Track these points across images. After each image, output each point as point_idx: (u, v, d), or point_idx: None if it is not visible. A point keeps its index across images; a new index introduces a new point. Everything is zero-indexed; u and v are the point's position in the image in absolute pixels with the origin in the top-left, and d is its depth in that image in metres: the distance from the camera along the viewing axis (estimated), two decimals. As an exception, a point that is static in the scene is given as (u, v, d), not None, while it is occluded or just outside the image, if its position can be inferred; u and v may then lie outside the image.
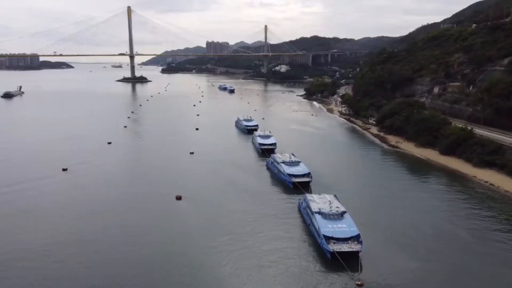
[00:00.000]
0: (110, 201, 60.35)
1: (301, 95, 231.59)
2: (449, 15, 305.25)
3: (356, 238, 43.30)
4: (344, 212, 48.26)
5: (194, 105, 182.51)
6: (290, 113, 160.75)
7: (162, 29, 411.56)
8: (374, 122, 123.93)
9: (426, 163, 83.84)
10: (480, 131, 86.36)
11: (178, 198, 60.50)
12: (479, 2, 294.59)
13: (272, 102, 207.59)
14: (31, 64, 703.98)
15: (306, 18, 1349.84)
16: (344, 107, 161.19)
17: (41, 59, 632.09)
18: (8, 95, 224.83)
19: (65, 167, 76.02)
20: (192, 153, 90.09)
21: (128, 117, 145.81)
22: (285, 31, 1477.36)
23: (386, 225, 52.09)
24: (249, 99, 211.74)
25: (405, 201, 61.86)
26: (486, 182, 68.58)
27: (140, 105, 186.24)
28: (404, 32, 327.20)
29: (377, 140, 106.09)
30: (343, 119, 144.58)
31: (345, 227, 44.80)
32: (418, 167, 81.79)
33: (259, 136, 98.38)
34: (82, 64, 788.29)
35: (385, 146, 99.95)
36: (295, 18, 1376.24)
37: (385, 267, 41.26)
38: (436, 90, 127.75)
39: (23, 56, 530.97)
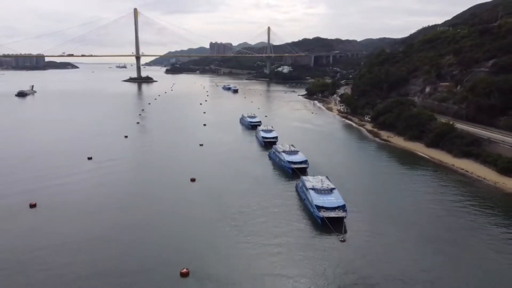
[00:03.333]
0: (132, 184, 69.90)
1: (302, 95, 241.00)
2: (452, 17, 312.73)
3: (342, 207, 52.67)
4: (333, 188, 57.65)
5: (201, 104, 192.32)
6: (292, 111, 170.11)
7: (167, 30, 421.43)
8: (369, 119, 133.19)
9: (413, 155, 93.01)
10: (462, 126, 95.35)
11: (192, 180, 70.10)
12: (479, 4, 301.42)
13: (274, 101, 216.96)
14: (37, 65, 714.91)
15: (309, 19, 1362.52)
16: (342, 105, 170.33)
17: (47, 59, 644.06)
18: (22, 94, 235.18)
19: (90, 156, 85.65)
20: (201, 145, 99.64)
21: (140, 114, 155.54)
22: (288, 32, 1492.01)
23: (372, 202, 61.17)
24: (252, 99, 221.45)
25: (392, 185, 71.07)
26: (462, 169, 77.85)
27: (149, 104, 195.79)
28: (407, 33, 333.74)
29: (370, 135, 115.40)
30: (341, 117, 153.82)
31: (333, 199, 54.19)
32: (406, 158, 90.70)
33: (262, 130, 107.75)
34: (86, 65, 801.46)
35: (377, 140, 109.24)
36: (298, 19, 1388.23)
37: (366, 231, 50.45)
38: (427, 89, 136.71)
39: (29, 57, 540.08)
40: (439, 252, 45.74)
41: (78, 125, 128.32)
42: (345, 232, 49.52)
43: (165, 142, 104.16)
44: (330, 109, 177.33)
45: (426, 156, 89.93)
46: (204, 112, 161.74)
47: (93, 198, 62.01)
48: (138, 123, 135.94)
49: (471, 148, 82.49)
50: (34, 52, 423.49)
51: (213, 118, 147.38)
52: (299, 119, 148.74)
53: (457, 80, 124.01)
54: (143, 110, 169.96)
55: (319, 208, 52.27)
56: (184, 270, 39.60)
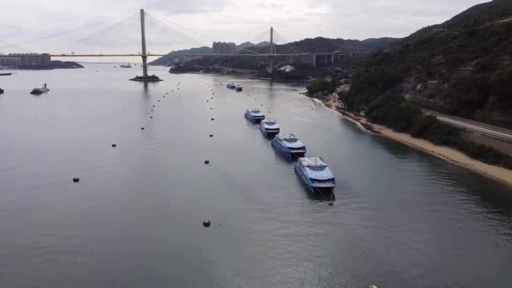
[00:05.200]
0: (154, 164, 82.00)
1: (303, 93, 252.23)
2: (451, 17, 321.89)
3: (331, 180, 64.24)
4: (325, 166, 69.28)
5: (207, 101, 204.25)
6: (293, 108, 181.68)
7: (170, 30, 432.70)
8: (363, 114, 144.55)
9: (400, 144, 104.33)
10: (444, 118, 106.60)
11: (206, 162, 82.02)
12: (478, 4, 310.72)
13: (277, 99, 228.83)
14: (43, 64, 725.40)
15: (312, 19, 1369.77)
16: (340, 102, 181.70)
17: (52, 59, 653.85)
18: (36, 92, 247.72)
19: (114, 144, 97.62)
20: (211, 135, 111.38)
21: (151, 110, 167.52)
22: (291, 32, 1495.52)
23: (359, 179, 72.38)
24: (256, 96, 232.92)
25: (377, 168, 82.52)
26: (440, 155, 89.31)
27: (159, 101, 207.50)
28: (410, 33, 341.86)
29: (364, 128, 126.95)
30: (339, 112, 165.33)
31: (324, 174, 65.79)
32: (393, 147, 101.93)
33: (265, 123, 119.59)
34: (91, 64, 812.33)
35: (369, 132, 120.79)
36: (301, 19, 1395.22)
37: (350, 198, 61.88)
38: (418, 87, 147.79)
39: (35, 56, 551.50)
40: (408, 212, 57.28)
41: (97, 119, 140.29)
42: (333, 199, 61.18)
43: (178, 134, 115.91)
44: (329, 106, 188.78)
45: (411, 145, 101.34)
46: (211, 108, 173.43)
47: (123, 174, 74.60)
48: (151, 117, 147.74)
49: (449, 137, 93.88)
50: (39, 51, 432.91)
51: (220, 114, 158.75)
52: (300, 114, 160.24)
53: (444, 78, 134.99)
54: (154, 106, 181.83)
55: (313, 180, 63.90)
56: (206, 221, 51.34)
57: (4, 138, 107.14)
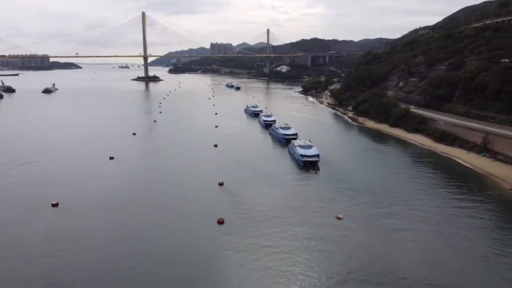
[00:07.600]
0: (172, 146, 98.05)
1: (298, 91, 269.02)
2: (442, 18, 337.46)
3: (317, 156, 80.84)
4: (312, 146, 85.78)
5: (209, 99, 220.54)
6: (288, 104, 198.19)
7: (168, 30, 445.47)
8: (351, 109, 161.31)
9: (379, 132, 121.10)
10: (418, 111, 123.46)
11: (215, 145, 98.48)
12: (467, 6, 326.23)
13: (273, 96, 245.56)
14: (42, 65, 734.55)
15: (308, 19, 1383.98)
16: (331, 99, 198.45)
17: (51, 59, 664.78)
18: (47, 91, 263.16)
19: (134, 132, 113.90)
20: (216, 126, 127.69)
21: (159, 106, 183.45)
22: (287, 32, 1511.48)
23: (340, 158, 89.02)
24: (253, 94, 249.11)
25: (358, 150, 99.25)
26: (411, 140, 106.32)
27: (164, 98, 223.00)
28: (405, 33, 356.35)
29: (350, 120, 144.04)
30: (330, 108, 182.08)
31: (312, 151, 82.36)
32: (374, 135, 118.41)
33: (263, 115, 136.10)
34: (89, 65, 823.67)
35: (355, 123, 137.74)
36: (297, 19, 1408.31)
37: (332, 170, 78.40)
38: (400, 84, 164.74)
39: (34, 57, 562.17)
40: (377, 176, 73.79)
41: (111, 114, 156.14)
42: (318, 169, 77.76)
43: (187, 125, 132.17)
44: (321, 102, 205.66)
45: (388, 133, 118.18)
46: (213, 105, 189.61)
47: (147, 154, 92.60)
48: (160, 112, 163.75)
49: (419, 126, 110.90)
50: (38, 52, 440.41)
51: (222, 109, 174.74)
52: (295, 109, 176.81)
53: (422, 76, 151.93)
54: (160, 103, 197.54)
55: (302, 156, 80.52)
56: (221, 181, 67.83)
57: (42, 130, 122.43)
